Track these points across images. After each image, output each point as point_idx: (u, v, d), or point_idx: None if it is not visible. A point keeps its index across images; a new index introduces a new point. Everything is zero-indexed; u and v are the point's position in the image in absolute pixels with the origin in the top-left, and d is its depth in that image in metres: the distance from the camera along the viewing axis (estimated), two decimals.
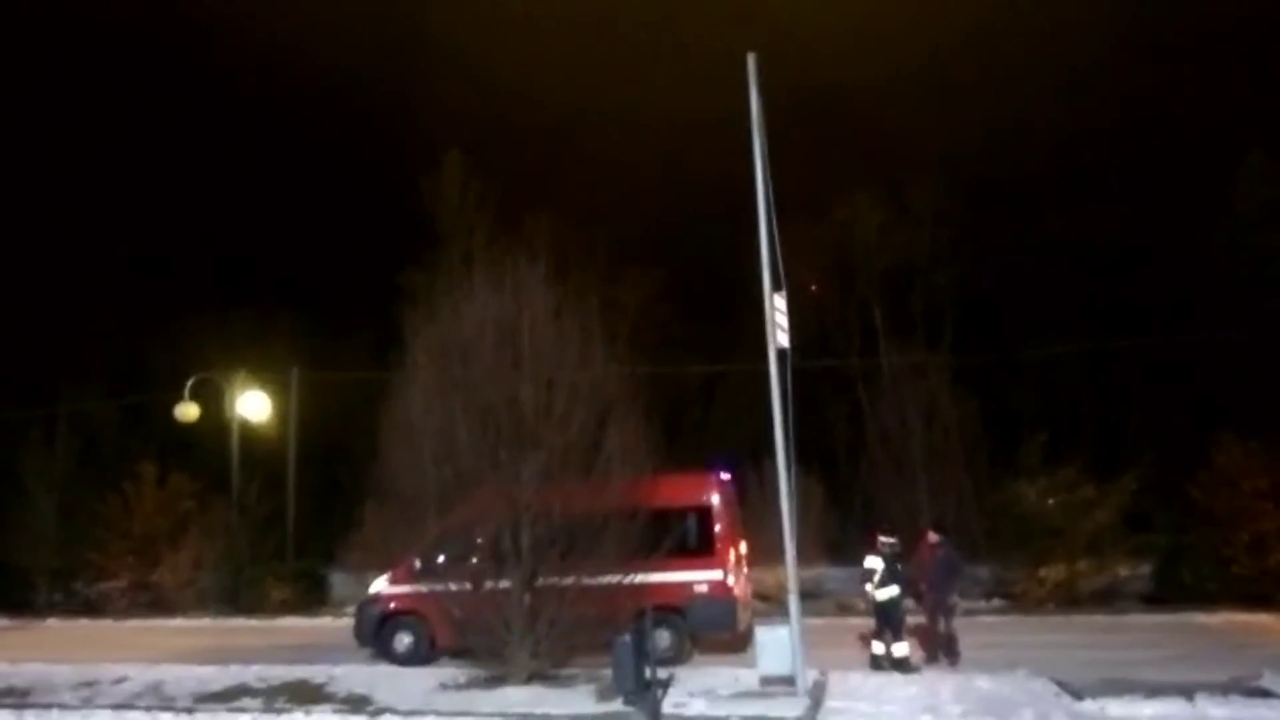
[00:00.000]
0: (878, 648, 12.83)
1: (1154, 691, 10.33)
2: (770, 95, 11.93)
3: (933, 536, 13.75)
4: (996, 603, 19.24)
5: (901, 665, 12.51)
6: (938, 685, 11.38)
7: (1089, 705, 10.15)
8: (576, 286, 13.40)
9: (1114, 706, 10.01)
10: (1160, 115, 34.78)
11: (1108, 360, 30.49)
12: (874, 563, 12.98)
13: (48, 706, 12.02)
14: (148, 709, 11.73)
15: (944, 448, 21.10)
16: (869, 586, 12.99)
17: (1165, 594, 18.66)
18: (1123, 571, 19.09)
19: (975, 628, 15.85)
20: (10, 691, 13.09)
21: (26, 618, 23.38)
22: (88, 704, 12.13)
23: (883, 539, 13.18)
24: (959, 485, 21.06)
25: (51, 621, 22.93)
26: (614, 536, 12.20)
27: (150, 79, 54.04)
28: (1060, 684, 11.18)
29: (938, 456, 21.04)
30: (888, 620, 12.82)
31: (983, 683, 11.47)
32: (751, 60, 11.85)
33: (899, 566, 13.06)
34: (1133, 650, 12.76)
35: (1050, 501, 20.07)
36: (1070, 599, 18.18)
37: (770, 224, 11.61)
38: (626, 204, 38.23)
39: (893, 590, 12.82)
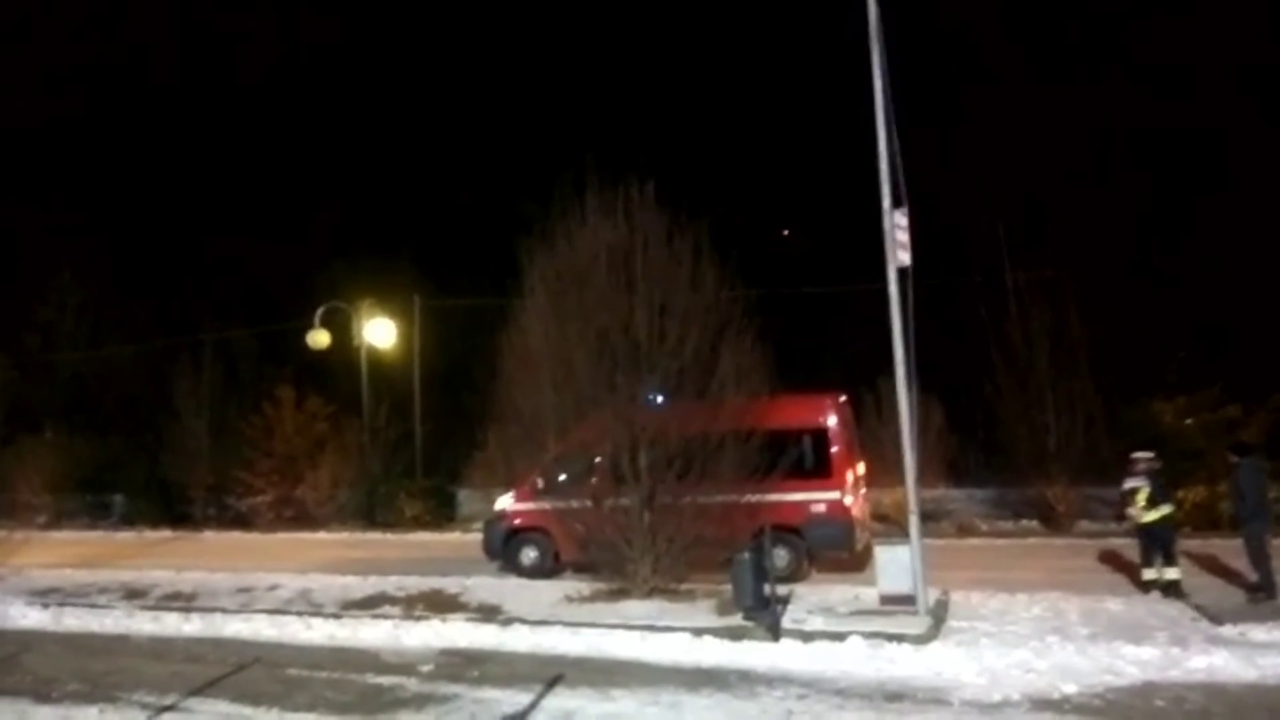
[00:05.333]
0: (1148, 574, 12.05)
1: None
2: None
3: (1231, 457, 12.51)
4: (1127, 525, 18.60)
5: (1172, 589, 11.75)
6: (1064, 607, 11.15)
7: (1229, 630, 9.79)
8: (688, 208, 13.28)
9: (1257, 632, 9.62)
10: None
11: (1257, 272, 28.38)
12: (1137, 483, 12.18)
13: (211, 610, 13.16)
14: (299, 614, 12.69)
15: (1073, 366, 20.23)
16: (1131, 510, 12.26)
17: None
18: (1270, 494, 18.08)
19: (1105, 550, 15.47)
20: (177, 596, 14.36)
21: (186, 530, 25.42)
22: (246, 608, 13.21)
23: (1139, 456, 12.37)
24: (1089, 405, 20.23)
25: (208, 533, 24.85)
26: (730, 457, 12.34)
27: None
28: (1198, 607, 10.82)
29: (1066, 375, 20.21)
30: (1156, 542, 12.08)
31: (1113, 605, 11.19)
32: None
33: (1165, 484, 12.28)
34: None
35: (1188, 421, 19.13)
36: (1209, 522, 17.39)
37: (890, 135, 11.17)
38: (738, 117, 37.44)
39: (1164, 510, 12.05)
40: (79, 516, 28.15)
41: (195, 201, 40.94)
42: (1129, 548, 14.58)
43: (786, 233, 32.21)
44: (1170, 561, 11.91)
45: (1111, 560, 14.64)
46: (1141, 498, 12.04)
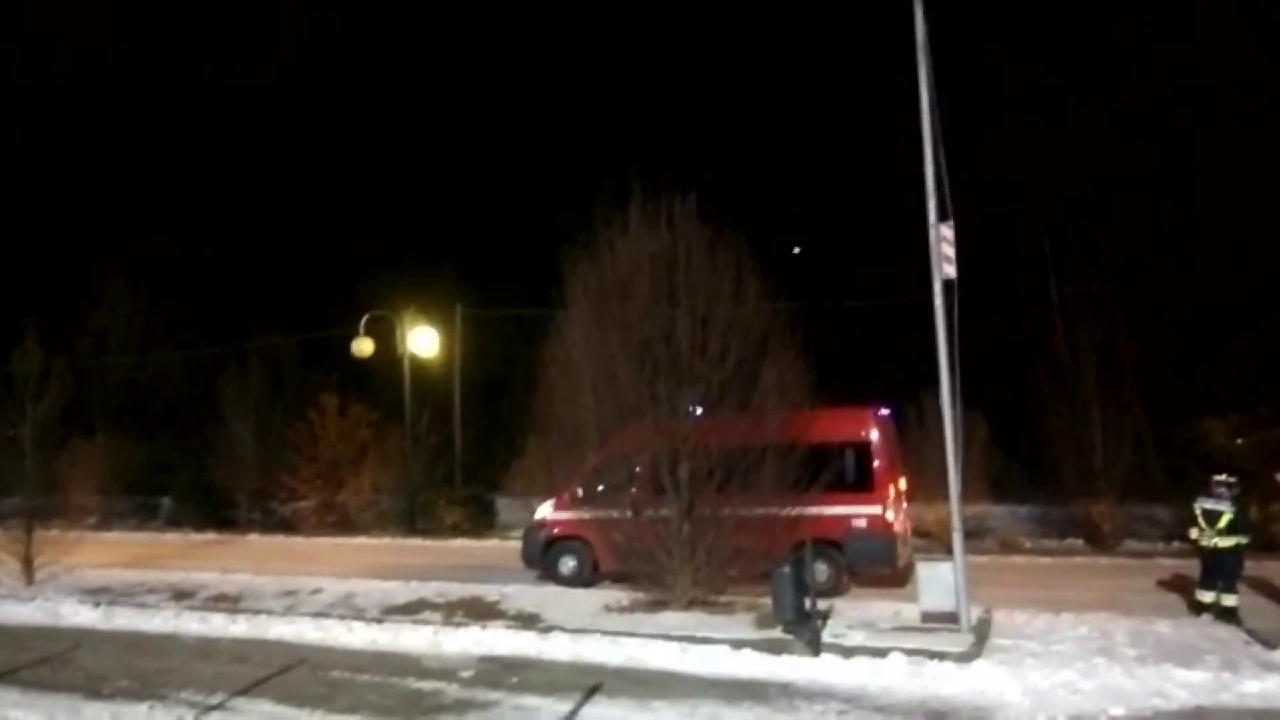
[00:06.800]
0: (1205, 596, 11.68)
1: None
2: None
3: None
4: (1176, 545, 18.22)
5: (1229, 616, 11.32)
6: (1111, 628, 10.94)
7: None
8: (730, 219, 13.29)
9: None
10: None
11: None
12: (1219, 505, 11.72)
13: (256, 612, 13.39)
14: (341, 618, 12.86)
15: (1121, 383, 19.88)
16: (1194, 532, 11.87)
17: None
18: None
19: (1153, 570, 15.18)
20: (224, 597, 14.63)
21: (231, 533, 25.85)
22: (290, 611, 13.42)
23: (1221, 479, 11.94)
24: (1137, 422, 19.85)
25: (253, 537, 25.21)
26: (771, 470, 12.31)
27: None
28: (1250, 632, 10.57)
29: (1114, 392, 19.85)
30: (1223, 568, 11.60)
31: (1162, 627, 10.96)
32: None
33: (1245, 511, 11.88)
34: None
35: (1239, 441, 18.72)
36: (1264, 544, 16.96)
37: (937, 148, 11.11)
38: (780, 130, 37.41)
39: (1241, 538, 11.63)
40: (127, 518, 28.75)
41: (243, 210, 41.82)
42: (1177, 568, 14.34)
43: (798, 250, 31.97)
44: (1231, 589, 11.59)
45: (1159, 581, 14.35)
46: (1224, 522, 11.65)
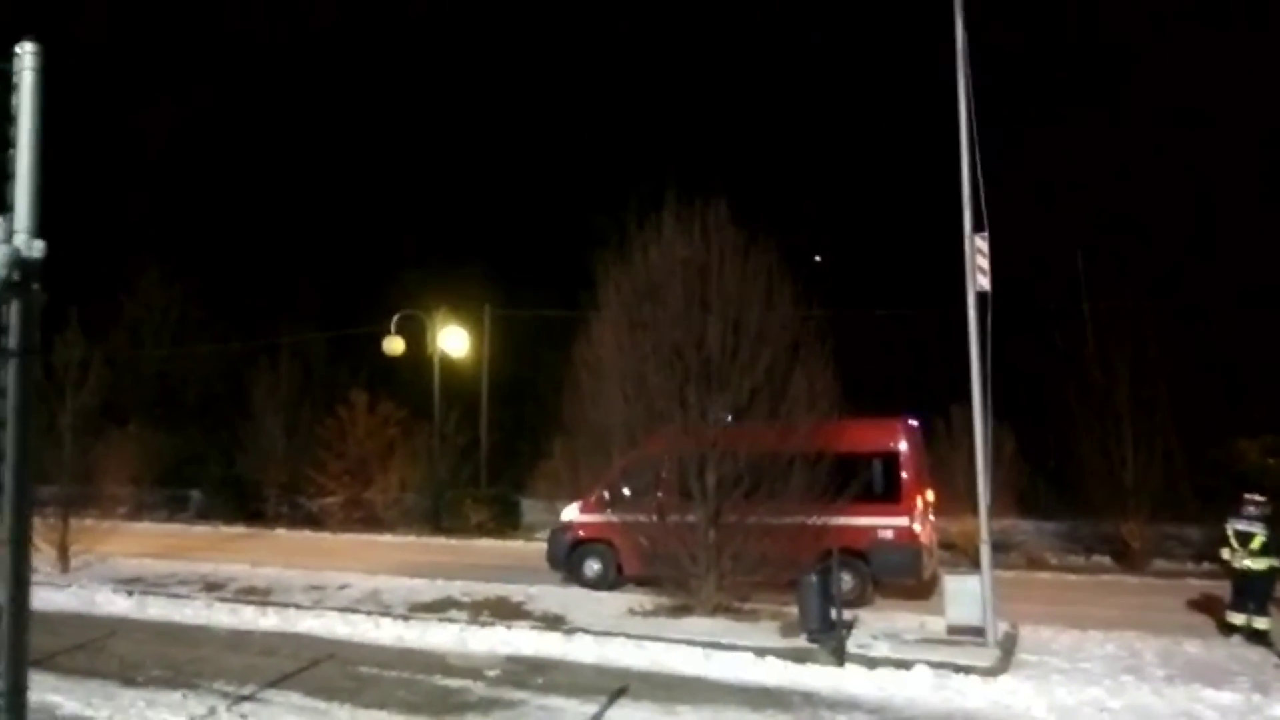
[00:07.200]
0: (1236, 618, 11.58)
1: None
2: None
3: None
4: (1206, 566, 18.00)
5: (1260, 638, 11.20)
6: (1139, 646, 10.86)
7: None
8: (763, 225, 13.31)
9: None
10: None
11: None
12: (1251, 527, 11.70)
13: (285, 605, 13.57)
14: (369, 614, 13.01)
15: (1153, 400, 19.66)
16: (1226, 553, 11.85)
17: None
18: None
19: (1183, 590, 15.03)
20: (253, 590, 14.85)
21: (259, 526, 26.13)
22: (319, 605, 13.60)
23: (1253, 498, 11.89)
24: (1168, 441, 19.62)
25: (280, 531, 25.45)
26: (799, 478, 12.31)
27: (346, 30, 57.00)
28: None
29: (1145, 409, 19.63)
30: (1254, 589, 11.52)
31: (1191, 647, 10.88)
32: None
33: (1277, 532, 11.74)
34: None
35: (1272, 461, 18.48)
36: None
37: (973, 158, 11.08)
38: (815, 139, 37.35)
39: (1274, 560, 11.56)
40: (158, 509, 29.10)
41: (277, 207, 42.33)
42: (1207, 589, 14.19)
43: (819, 258, 31.90)
44: (1262, 611, 11.46)
45: (1189, 601, 14.19)
46: (1256, 544, 11.57)
